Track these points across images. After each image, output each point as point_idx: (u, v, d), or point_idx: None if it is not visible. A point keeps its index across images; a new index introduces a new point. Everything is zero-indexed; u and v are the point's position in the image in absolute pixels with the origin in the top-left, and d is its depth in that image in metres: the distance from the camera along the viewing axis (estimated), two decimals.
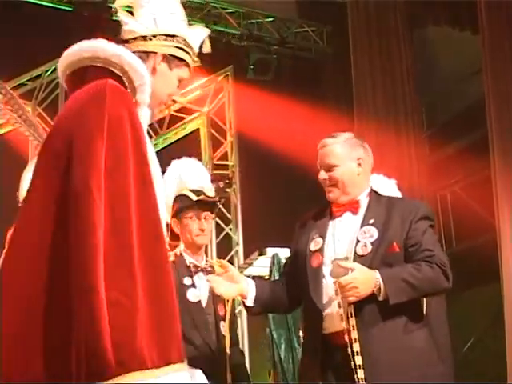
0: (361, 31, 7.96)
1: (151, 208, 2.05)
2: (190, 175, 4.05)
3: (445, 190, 7.58)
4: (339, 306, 2.98)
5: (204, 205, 3.97)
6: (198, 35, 2.51)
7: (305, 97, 7.99)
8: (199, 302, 3.82)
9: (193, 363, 3.40)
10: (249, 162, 8.45)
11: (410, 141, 7.30)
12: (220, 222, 8.48)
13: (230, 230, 8.65)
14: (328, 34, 9.04)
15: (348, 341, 2.93)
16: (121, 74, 2.22)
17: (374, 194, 3.22)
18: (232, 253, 8.50)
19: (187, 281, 3.85)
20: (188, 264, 3.92)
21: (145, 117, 2.26)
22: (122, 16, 2.38)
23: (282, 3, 8.72)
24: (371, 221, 3.10)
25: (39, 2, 7.79)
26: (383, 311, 2.94)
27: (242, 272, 7.28)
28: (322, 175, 3.17)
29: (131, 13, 2.43)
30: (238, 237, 8.63)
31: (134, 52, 2.26)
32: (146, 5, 2.40)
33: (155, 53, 2.38)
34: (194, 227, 3.93)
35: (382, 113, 7.52)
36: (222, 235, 8.57)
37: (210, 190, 4.05)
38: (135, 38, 2.36)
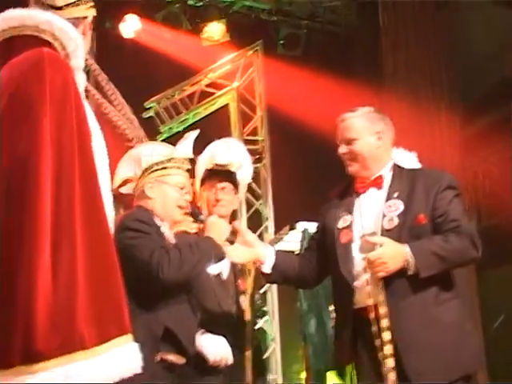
0: (390, 3, 7.90)
1: (94, 185, 2.02)
2: (217, 151, 4.03)
3: (477, 165, 7.54)
4: (367, 283, 2.96)
5: (219, 175, 3.95)
6: None
7: (335, 71, 7.95)
8: (220, 274, 3.83)
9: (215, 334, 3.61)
10: (279, 137, 8.49)
11: (441, 115, 7.27)
12: (250, 196, 8.52)
13: (260, 204, 8.67)
14: (358, 8, 8.98)
15: (375, 316, 2.91)
16: (52, 41, 2.14)
17: (397, 168, 3.20)
18: (262, 228, 8.54)
19: None
20: None
21: (81, 81, 2.21)
22: None
23: None
24: (395, 194, 3.08)
25: None
26: (413, 284, 2.92)
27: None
28: (342, 149, 3.17)
29: None
30: (269, 212, 8.64)
31: (68, 19, 2.19)
32: None
33: (85, 17, 2.31)
34: (211, 198, 3.92)
35: (413, 86, 7.47)
36: (251, 210, 8.61)
37: (227, 162, 3.98)
38: (67, 5, 2.29)
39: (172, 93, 8.55)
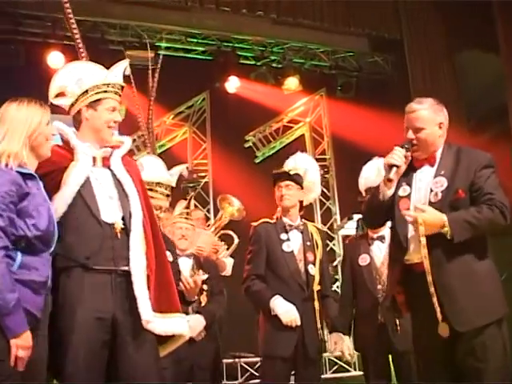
0: (416, 59, 9.11)
1: None
2: (287, 161, 4.40)
3: None
4: (420, 246, 3.04)
5: (281, 176, 4.21)
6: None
7: (377, 107, 8.77)
8: (292, 251, 4.11)
9: (286, 297, 3.96)
10: (341, 155, 9.37)
11: (450, 132, 7.03)
12: (322, 198, 9.40)
13: (330, 204, 9.61)
14: (392, 62, 9.74)
15: (426, 271, 2.99)
16: None
17: (446, 145, 3.20)
18: (332, 220, 9.53)
19: (283, 236, 4.15)
20: (284, 223, 4.23)
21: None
22: None
23: (358, 42, 9.56)
24: (442, 171, 3.11)
25: (191, 56, 9.09)
26: (455, 247, 2.99)
27: (337, 232, 9.08)
28: (410, 135, 3.16)
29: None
30: (336, 208, 9.57)
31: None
32: None
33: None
34: (278, 195, 4.22)
35: None
36: (324, 208, 9.57)
37: (292, 168, 4.25)
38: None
39: (263, 128, 9.49)
